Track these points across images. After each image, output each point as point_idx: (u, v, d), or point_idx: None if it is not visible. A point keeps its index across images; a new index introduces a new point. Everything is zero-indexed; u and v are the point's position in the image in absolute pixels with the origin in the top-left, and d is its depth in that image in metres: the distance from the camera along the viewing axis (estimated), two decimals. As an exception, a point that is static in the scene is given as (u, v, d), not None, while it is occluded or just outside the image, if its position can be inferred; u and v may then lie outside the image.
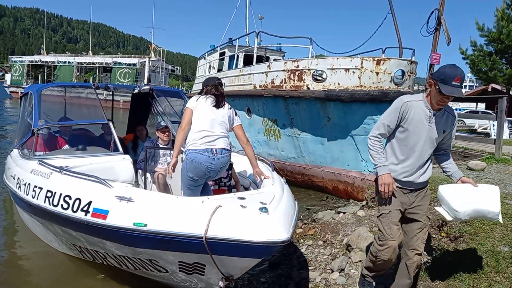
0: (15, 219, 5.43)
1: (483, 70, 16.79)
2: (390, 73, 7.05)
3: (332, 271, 3.89)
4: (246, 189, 4.29)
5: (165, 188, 4.87)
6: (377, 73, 7.03)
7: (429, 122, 2.69)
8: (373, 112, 7.12)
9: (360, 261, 3.93)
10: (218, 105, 3.60)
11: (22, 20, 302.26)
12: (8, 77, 49.47)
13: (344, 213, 5.76)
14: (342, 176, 7.92)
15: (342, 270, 3.87)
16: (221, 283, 2.84)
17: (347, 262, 3.96)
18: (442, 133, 2.75)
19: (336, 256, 4.22)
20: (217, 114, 3.59)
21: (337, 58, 7.38)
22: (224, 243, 2.46)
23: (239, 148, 5.54)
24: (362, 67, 7.06)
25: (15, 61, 50.03)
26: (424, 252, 3.68)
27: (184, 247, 2.64)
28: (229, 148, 3.64)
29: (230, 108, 3.73)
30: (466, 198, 2.63)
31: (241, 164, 4.57)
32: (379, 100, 6.97)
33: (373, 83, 7.05)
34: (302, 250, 4.60)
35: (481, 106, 27.53)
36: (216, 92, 3.64)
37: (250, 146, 3.77)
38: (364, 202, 6.01)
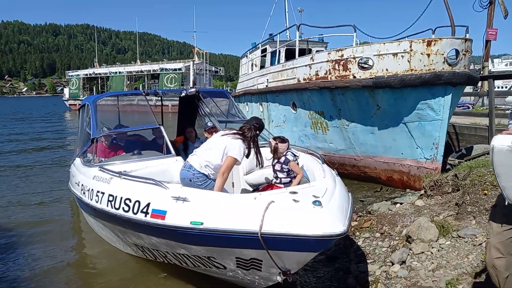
0: (82, 224, 5.81)
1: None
2: (442, 54, 6.64)
3: (393, 264, 3.75)
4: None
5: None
6: (428, 55, 6.65)
7: None
8: (426, 97, 6.77)
9: (422, 252, 3.76)
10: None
11: (75, 37, 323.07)
12: (66, 91, 53.10)
13: (401, 203, 5.54)
14: (397, 165, 7.61)
15: (403, 262, 3.72)
16: (279, 278, 2.84)
17: (408, 254, 3.80)
18: None
19: (396, 248, 4.06)
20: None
21: (384, 43, 7.09)
22: (279, 238, 2.46)
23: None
24: (411, 50, 6.72)
25: (71, 75, 53.59)
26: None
27: (240, 244, 2.67)
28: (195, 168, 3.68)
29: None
30: None
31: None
32: (432, 84, 6.61)
33: (424, 66, 6.68)
34: (359, 243, 4.48)
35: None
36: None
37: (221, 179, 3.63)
38: (422, 191, 5.74)
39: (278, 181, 4.24)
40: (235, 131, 3.84)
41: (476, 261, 3.30)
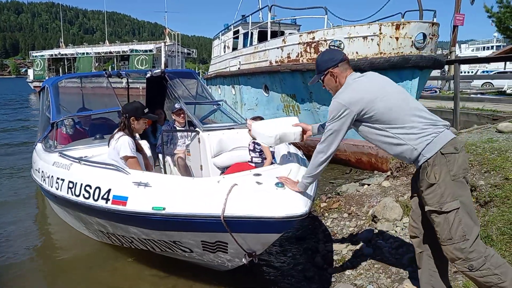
0: (47, 209, 5.62)
1: (510, 27, 15.88)
2: (410, 37, 6.72)
3: (359, 243, 3.83)
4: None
5: (185, 170, 4.89)
6: (397, 39, 6.72)
7: None
8: (395, 80, 6.78)
9: (387, 231, 3.87)
10: None
11: (39, 15, 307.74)
12: (30, 72, 50.77)
13: (368, 184, 5.65)
14: (365, 147, 7.74)
15: (369, 241, 3.82)
16: (244, 260, 2.85)
17: (374, 233, 3.90)
18: None
19: (362, 228, 4.16)
20: None
21: (354, 26, 7.09)
22: (242, 221, 2.46)
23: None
24: (380, 33, 6.76)
25: (35, 56, 51.21)
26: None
27: (204, 227, 2.65)
28: None
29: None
30: (274, 126, 3.02)
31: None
32: (400, 67, 6.70)
33: (393, 49, 6.75)
34: (327, 224, 4.56)
35: (510, 66, 26.18)
36: None
37: None
38: (388, 173, 5.87)
39: (250, 159, 4.28)
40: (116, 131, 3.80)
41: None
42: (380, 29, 6.78)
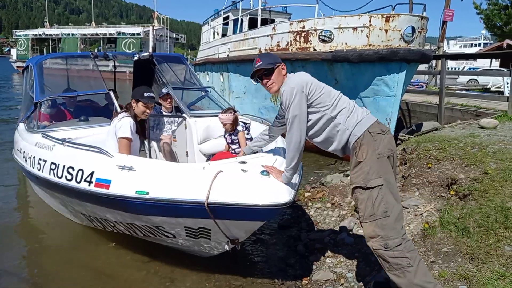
0: (29, 191, 5.53)
1: (498, 25, 16.12)
2: (399, 30, 6.75)
3: (341, 232, 3.89)
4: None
5: (171, 155, 4.86)
6: (386, 31, 6.75)
7: None
8: (382, 73, 6.91)
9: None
10: None
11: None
12: (14, 52, 49.38)
13: (352, 175, 5.72)
14: (351, 139, 7.81)
15: (351, 230, 3.88)
16: (227, 246, 2.87)
17: (355, 223, 3.97)
18: None
19: (345, 218, 4.22)
20: None
21: (345, 17, 7.08)
22: (226, 208, 2.46)
23: (245, 112, 5.47)
24: (370, 25, 6.78)
25: (19, 35, 49.74)
26: (433, 211, 3.65)
27: (188, 213, 2.65)
28: None
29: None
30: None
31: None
32: (388, 60, 6.73)
33: (382, 41, 6.78)
34: (311, 213, 4.61)
35: (496, 64, 26.62)
36: None
37: None
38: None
39: (232, 151, 4.25)
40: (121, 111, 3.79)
41: (416, 229, 3.48)
42: (370, 21, 6.79)
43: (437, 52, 14.34)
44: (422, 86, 15.25)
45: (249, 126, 4.38)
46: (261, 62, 2.64)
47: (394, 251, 2.27)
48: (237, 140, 4.22)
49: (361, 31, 6.86)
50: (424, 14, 7.48)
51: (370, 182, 2.30)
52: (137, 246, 3.80)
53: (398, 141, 7.61)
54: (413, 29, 6.89)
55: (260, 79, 2.70)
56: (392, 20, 6.70)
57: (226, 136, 4.31)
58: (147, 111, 3.70)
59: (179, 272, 3.47)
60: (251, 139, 4.30)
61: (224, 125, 4.20)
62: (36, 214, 4.97)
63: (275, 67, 2.65)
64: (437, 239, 3.11)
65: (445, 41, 16.94)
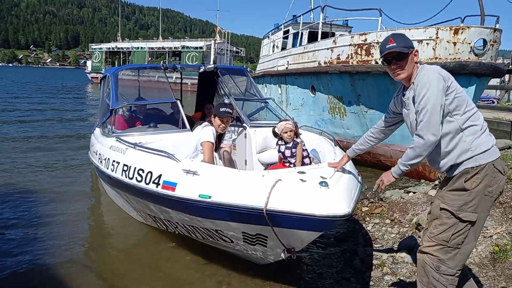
0: (100, 191, 6.00)
1: None
2: (469, 43, 6.42)
3: (400, 250, 3.76)
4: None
5: (230, 163, 5.02)
6: (455, 44, 6.45)
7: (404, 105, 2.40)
8: (449, 86, 6.58)
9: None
10: None
11: (99, 10, 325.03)
12: (89, 63, 53.82)
13: (414, 192, 5.50)
14: (413, 155, 7.50)
15: (411, 249, 3.73)
16: (283, 255, 2.89)
17: (417, 242, 3.80)
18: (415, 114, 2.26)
19: (405, 235, 4.07)
20: None
21: (409, 29, 6.89)
22: (284, 216, 2.50)
23: (302, 124, 5.52)
24: (437, 37, 6.53)
25: (94, 48, 54.16)
26: (504, 234, 3.40)
27: (246, 219, 2.72)
28: None
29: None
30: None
31: (304, 139, 4.54)
32: (456, 73, 6.38)
33: (449, 54, 6.49)
34: (368, 228, 4.50)
35: None
36: None
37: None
38: (436, 182, 5.67)
39: (287, 164, 4.25)
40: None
41: (484, 252, 3.27)
42: (436, 33, 6.54)
43: (510, 66, 13.33)
44: (493, 102, 14.24)
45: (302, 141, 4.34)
46: (395, 44, 2.26)
47: (441, 276, 2.19)
48: (295, 153, 4.19)
49: (427, 43, 6.63)
50: (497, 26, 7.05)
51: (464, 214, 2.15)
52: (196, 248, 3.96)
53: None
54: (485, 41, 6.52)
55: (388, 63, 2.33)
56: (462, 32, 6.40)
57: (283, 149, 4.24)
58: (223, 125, 3.94)
59: (235, 277, 3.55)
60: (306, 151, 4.29)
61: (285, 132, 4.18)
62: (105, 212, 5.38)
63: (409, 52, 2.27)
64: (509, 264, 2.91)
65: (521, 54, 15.74)
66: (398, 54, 2.26)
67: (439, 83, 2.11)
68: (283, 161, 4.30)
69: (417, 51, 2.33)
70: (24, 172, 7.06)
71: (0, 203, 5.40)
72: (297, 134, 4.25)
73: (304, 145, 4.29)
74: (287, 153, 4.22)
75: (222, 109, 3.89)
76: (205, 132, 3.82)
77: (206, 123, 3.96)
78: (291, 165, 4.18)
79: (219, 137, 4.08)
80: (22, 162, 7.73)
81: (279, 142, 4.30)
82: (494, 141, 2.21)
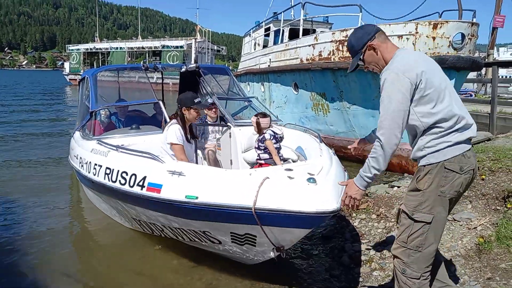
0: (81, 196, 5.84)
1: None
2: (448, 37, 6.53)
3: (387, 244, 3.78)
4: (294, 162, 4.25)
5: (215, 163, 4.97)
6: (434, 38, 6.54)
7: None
8: (429, 81, 6.68)
9: (417, 235, 3.78)
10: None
11: (76, 10, 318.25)
12: (67, 65, 52.59)
13: (398, 187, 5.54)
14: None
15: (398, 244, 3.75)
16: (272, 254, 2.87)
17: (403, 236, 3.83)
18: None
19: (391, 230, 4.09)
20: None
21: (389, 25, 6.96)
22: (272, 214, 2.48)
23: (286, 122, 5.50)
24: (416, 32, 6.61)
25: (72, 49, 52.93)
26: (488, 225, 3.46)
27: (235, 218, 2.69)
28: None
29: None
30: None
31: (288, 137, 4.53)
32: (435, 67, 6.51)
33: (429, 49, 6.58)
34: (355, 224, 4.51)
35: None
36: None
37: None
38: (420, 175, 5.74)
39: (258, 157, 4.33)
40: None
41: (470, 243, 3.32)
42: (416, 28, 6.62)
43: (487, 60, 13.66)
44: (471, 95, 14.58)
45: (279, 137, 4.36)
46: (350, 46, 2.31)
47: (408, 279, 2.18)
48: (263, 146, 4.27)
49: (407, 38, 6.70)
50: (474, 20, 7.20)
51: (418, 214, 2.11)
52: (182, 251, 3.90)
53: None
54: (463, 35, 6.64)
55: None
56: (440, 27, 6.50)
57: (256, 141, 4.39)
58: (198, 115, 3.95)
59: (224, 279, 3.50)
60: (279, 149, 4.33)
61: (259, 128, 4.29)
62: (88, 218, 5.21)
63: (361, 50, 2.27)
64: (494, 255, 2.95)
65: (495, 48, 16.15)
66: (353, 54, 2.29)
67: (402, 86, 2.04)
68: (258, 155, 4.38)
69: (372, 45, 2.23)
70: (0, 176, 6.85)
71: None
72: (259, 127, 4.30)
73: (276, 142, 4.33)
74: (255, 144, 4.36)
75: (196, 100, 3.86)
76: (170, 133, 3.75)
77: (172, 121, 3.88)
78: (262, 159, 4.27)
79: (191, 129, 4.04)
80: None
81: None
82: (455, 141, 2.09)
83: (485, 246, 3.07)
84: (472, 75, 13.74)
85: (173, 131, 3.73)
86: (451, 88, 2.15)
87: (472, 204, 3.99)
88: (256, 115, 4.34)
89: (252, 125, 4.91)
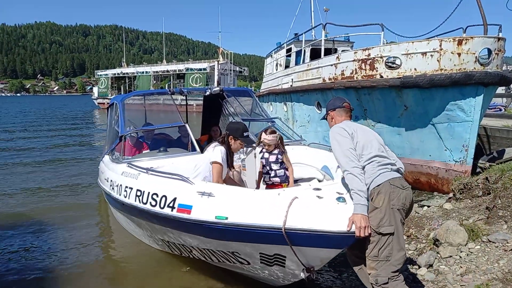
0: (110, 219, 5.97)
1: None
2: (474, 53, 6.43)
3: (419, 267, 3.67)
4: (320, 182, 4.23)
5: (240, 184, 4.99)
6: (459, 54, 6.47)
7: None
8: (457, 97, 6.58)
9: (450, 256, 3.67)
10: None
11: (104, 37, 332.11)
12: (95, 90, 54.62)
13: (428, 206, 5.41)
14: (424, 167, 7.43)
15: (431, 266, 3.64)
16: (302, 274, 2.84)
17: (435, 258, 3.72)
18: None
19: (423, 251, 3.97)
20: None
21: (412, 42, 6.93)
22: (303, 234, 2.47)
23: (310, 141, 5.50)
24: (441, 49, 6.55)
25: (100, 75, 55.06)
26: None
27: (264, 239, 2.69)
28: None
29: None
30: None
31: (313, 157, 4.52)
32: (462, 84, 6.41)
33: (454, 65, 6.50)
34: (384, 245, 4.40)
35: None
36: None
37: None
38: (451, 194, 5.59)
39: (273, 174, 4.19)
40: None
41: (507, 266, 3.18)
42: (440, 45, 6.57)
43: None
44: (500, 110, 14.12)
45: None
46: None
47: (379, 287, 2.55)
48: (281, 160, 4.17)
49: (431, 55, 6.65)
50: (500, 35, 7.08)
51: (383, 228, 2.50)
52: (210, 273, 3.91)
53: (478, 169, 7.09)
54: (489, 51, 6.53)
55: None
56: (465, 43, 6.42)
57: (268, 156, 4.21)
58: (242, 147, 4.06)
59: (251, 300, 3.49)
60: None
61: (266, 146, 4.17)
62: (116, 240, 5.32)
63: (326, 115, 3.18)
64: None
65: (525, 61, 15.71)
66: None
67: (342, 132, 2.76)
68: (265, 169, 4.29)
69: (330, 113, 3.14)
70: (30, 198, 7.12)
71: (8, 231, 5.42)
72: (282, 142, 4.27)
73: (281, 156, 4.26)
74: (272, 158, 4.24)
75: (245, 134, 3.95)
76: (216, 152, 3.82)
77: (216, 143, 3.96)
78: (276, 176, 4.20)
79: (231, 157, 4.09)
80: (23, 187, 7.81)
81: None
82: (391, 168, 2.69)
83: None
84: (501, 89, 13.36)
85: (219, 151, 3.82)
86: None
87: (508, 224, 3.84)
88: (265, 131, 4.27)
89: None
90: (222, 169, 3.78)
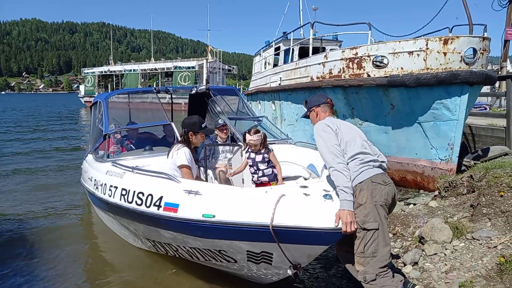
0: (93, 219, 5.87)
1: None
2: (459, 52, 6.51)
3: (405, 265, 3.70)
4: (306, 180, 4.23)
5: (226, 183, 4.96)
6: (445, 54, 6.53)
7: None
8: (442, 96, 6.65)
9: (435, 253, 3.70)
10: None
11: (91, 35, 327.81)
12: (82, 88, 53.85)
13: (414, 204, 5.46)
14: (410, 165, 7.50)
15: (416, 263, 3.67)
16: (289, 271, 2.84)
17: (421, 255, 3.75)
18: None
19: (408, 249, 4.00)
20: None
21: (399, 42, 6.98)
22: (290, 231, 2.48)
23: (298, 140, 5.50)
24: (427, 48, 6.61)
25: (87, 72, 54.26)
26: (509, 244, 3.35)
27: (251, 236, 2.68)
28: None
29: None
30: None
31: (300, 155, 4.51)
32: (448, 83, 6.48)
33: (440, 64, 6.56)
34: (370, 243, 4.42)
35: None
36: None
37: None
38: (436, 192, 5.65)
39: (260, 173, 4.21)
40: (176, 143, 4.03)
41: (490, 263, 3.22)
42: (426, 44, 6.63)
43: (500, 73, 13.52)
44: (485, 108, 14.35)
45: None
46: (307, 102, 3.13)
47: (370, 285, 2.61)
48: (267, 159, 4.19)
49: (418, 55, 6.70)
50: (485, 35, 7.17)
51: (368, 224, 2.58)
52: (196, 274, 3.87)
53: (463, 167, 7.18)
54: (475, 50, 6.62)
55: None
56: (451, 42, 6.49)
57: (254, 156, 4.22)
58: (203, 139, 4.04)
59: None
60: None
61: (252, 146, 4.17)
62: (100, 240, 5.22)
63: (309, 112, 3.20)
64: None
65: (508, 60, 15.92)
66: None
67: (326, 129, 2.81)
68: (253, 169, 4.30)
69: (314, 109, 3.15)
70: (11, 198, 6.97)
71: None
72: (265, 141, 4.28)
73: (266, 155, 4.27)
74: (258, 158, 4.25)
75: (203, 125, 3.95)
76: (180, 156, 3.75)
77: (178, 145, 3.89)
78: (263, 175, 4.21)
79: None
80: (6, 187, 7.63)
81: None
82: (373, 165, 2.77)
83: (507, 266, 2.98)
84: (485, 88, 13.57)
85: (183, 154, 3.75)
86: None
87: (491, 221, 3.89)
88: (249, 131, 4.25)
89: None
90: (191, 170, 3.73)
